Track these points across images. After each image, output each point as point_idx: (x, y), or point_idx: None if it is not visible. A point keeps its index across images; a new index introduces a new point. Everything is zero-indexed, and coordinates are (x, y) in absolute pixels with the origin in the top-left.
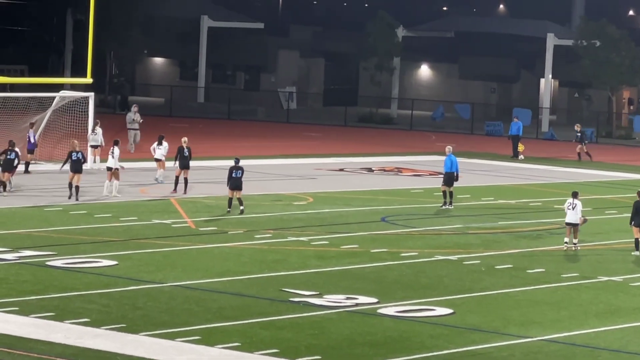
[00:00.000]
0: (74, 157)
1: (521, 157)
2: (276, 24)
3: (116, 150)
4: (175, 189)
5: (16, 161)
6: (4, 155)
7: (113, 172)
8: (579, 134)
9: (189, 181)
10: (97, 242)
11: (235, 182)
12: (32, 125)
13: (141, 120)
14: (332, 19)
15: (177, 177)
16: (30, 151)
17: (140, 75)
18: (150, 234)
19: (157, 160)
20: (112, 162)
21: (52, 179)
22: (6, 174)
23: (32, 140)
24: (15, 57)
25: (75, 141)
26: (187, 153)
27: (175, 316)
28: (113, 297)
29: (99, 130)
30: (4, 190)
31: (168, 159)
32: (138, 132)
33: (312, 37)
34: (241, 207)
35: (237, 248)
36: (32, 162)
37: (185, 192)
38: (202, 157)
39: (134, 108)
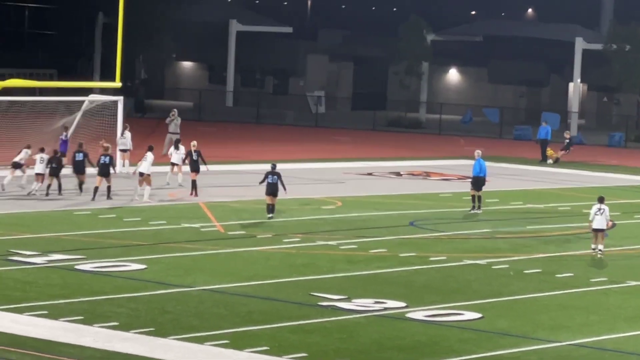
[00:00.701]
0: (101, 161)
1: (549, 161)
2: (305, 28)
3: (150, 155)
4: (193, 192)
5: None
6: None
7: (144, 178)
8: (568, 141)
9: (197, 184)
10: (126, 245)
11: (271, 188)
12: (66, 128)
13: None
14: (361, 23)
15: (193, 181)
16: (63, 154)
17: (169, 79)
18: (179, 238)
19: (173, 164)
20: (144, 168)
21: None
22: (78, 174)
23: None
24: (45, 61)
25: (106, 144)
26: (196, 157)
27: (204, 320)
28: (142, 301)
29: (127, 134)
30: (80, 191)
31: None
32: (176, 136)
33: (341, 41)
34: (272, 214)
35: (266, 252)
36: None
37: (196, 195)
38: (230, 161)
39: (173, 114)
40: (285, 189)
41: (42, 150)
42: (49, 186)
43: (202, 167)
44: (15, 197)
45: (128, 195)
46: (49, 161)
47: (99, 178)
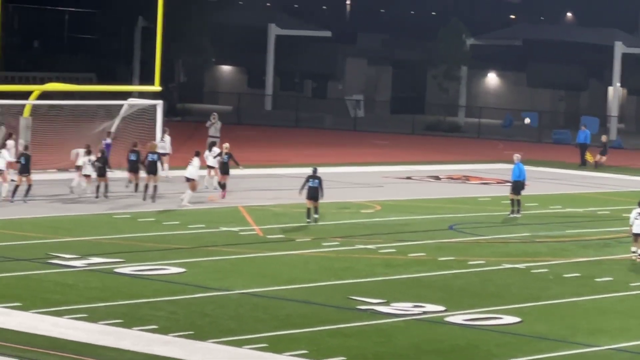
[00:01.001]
0: (149, 158)
1: (591, 163)
2: (344, 31)
3: (196, 160)
4: (223, 193)
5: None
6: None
7: (190, 183)
8: (604, 145)
9: (228, 187)
10: (165, 249)
11: (312, 192)
12: (108, 133)
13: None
14: (400, 27)
15: (220, 183)
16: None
17: (208, 83)
18: (218, 241)
19: (210, 167)
20: (190, 172)
21: (120, 186)
22: (133, 174)
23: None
24: (84, 65)
25: (154, 142)
26: (226, 159)
27: (243, 323)
28: (181, 304)
29: (167, 138)
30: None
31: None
32: (217, 140)
33: (380, 44)
34: (315, 216)
35: (305, 256)
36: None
37: (223, 197)
38: (269, 165)
39: (213, 117)
40: (322, 194)
41: (88, 152)
42: (97, 188)
43: (236, 170)
44: (61, 200)
45: (167, 198)
46: (96, 162)
47: (147, 177)
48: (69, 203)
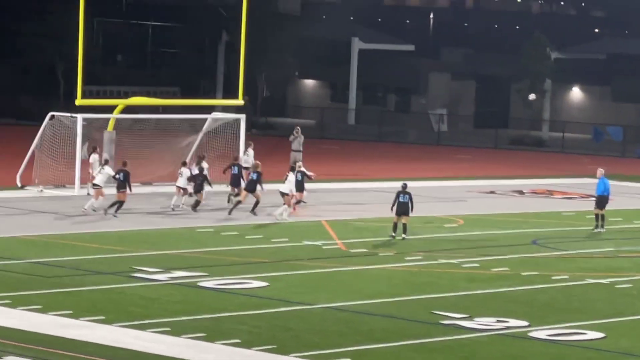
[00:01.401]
0: (251, 177)
1: None
2: (427, 45)
3: (291, 176)
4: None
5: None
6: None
7: (285, 198)
8: None
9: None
10: (249, 263)
11: (401, 207)
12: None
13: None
14: (483, 41)
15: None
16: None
17: (291, 97)
18: (301, 255)
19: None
20: (285, 187)
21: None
22: (233, 188)
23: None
24: (168, 79)
25: (257, 162)
26: (300, 177)
27: (326, 338)
28: (264, 318)
29: (250, 152)
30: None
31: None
32: (300, 154)
33: (463, 59)
34: (403, 235)
35: (388, 270)
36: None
37: (294, 210)
38: (352, 179)
39: (296, 131)
40: (412, 210)
41: (183, 164)
42: (196, 202)
43: (319, 184)
44: (145, 213)
45: (243, 212)
46: (195, 177)
47: (244, 193)
48: (153, 217)
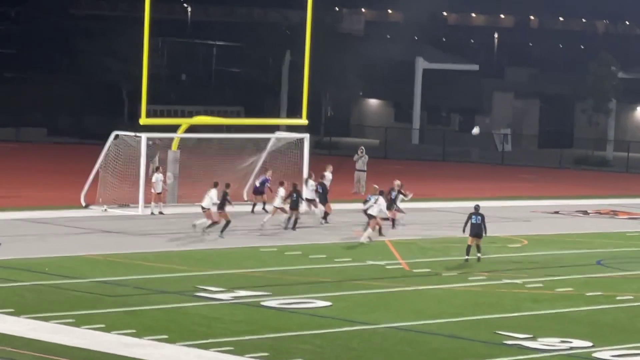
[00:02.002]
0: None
1: None
2: (491, 65)
3: (381, 200)
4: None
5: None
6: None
7: (372, 220)
8: None
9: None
10: (312, 282)
11: (475, 229)
12: (265, 169)
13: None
14: (547, 60)
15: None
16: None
17: (355, 116)
18: (364, 275)
19: (308, 200)
20: (374, 210)
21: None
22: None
23: (257, 185)
24: (232, 99)
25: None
26: (321, 189)
27: (389, 357)
28: (327, 337)
29: (328, 174)
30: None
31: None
32: (364, 173)
33: (528, 78)
34: (478, 254)
35: (451, 290)
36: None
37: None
38: (416, 199)
39: (360, 150)
40: (486, 231)
41: (281, 184)
42: (289, 219)
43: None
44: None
45: (309, 228)
46: (290, 195)
47: (372, 223)
48: (216, 235)
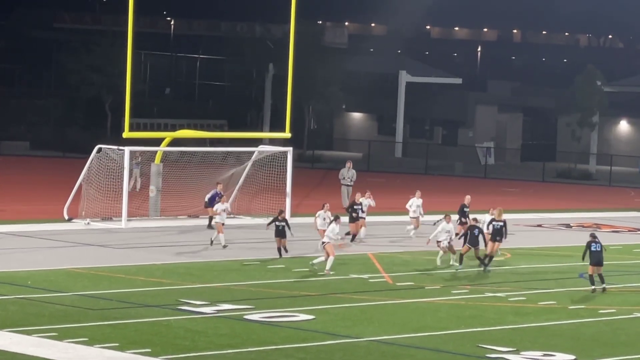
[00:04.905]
0: (496, 226)
1: None
2: (474, 79)
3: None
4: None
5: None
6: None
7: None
8: None
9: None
10: (295, 296)
11: (596, 257)
12: (216, 184)
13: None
14: (530, 74)
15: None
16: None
17: (338, 129)
18: (347, 288)
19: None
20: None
21: (249, 232)
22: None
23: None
24: (216, 112)
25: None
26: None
27: None
28: (310, 351)
29: (365, 200)
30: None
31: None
32: (350, 188)
33: (511, 92)
34: (603, 285)
35: (434, 303)
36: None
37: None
38: (399, 212)
39: (348, 164)
40: (506, 236)
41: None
42: (349, 234)
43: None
44: (192, 246)
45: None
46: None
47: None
48: (199, 248)
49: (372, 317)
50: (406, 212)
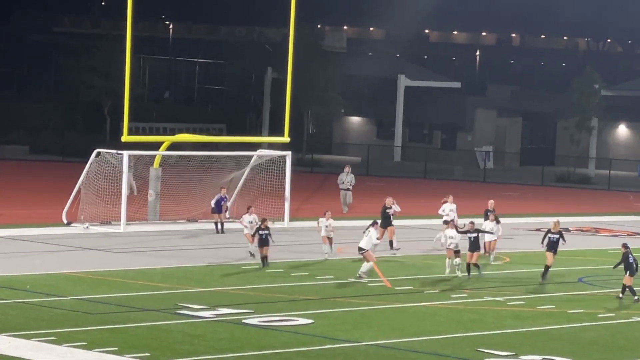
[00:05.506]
0: (552, 239)
1: None
2: (474, 83)
3: (372, 232)
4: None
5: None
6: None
7: (365, 254)
8: None
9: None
10: (294, 300)
11: (631, 268)
12: (220, 189)
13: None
14: (529, 78)
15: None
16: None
17: (337, 133)
18: (346, 292)
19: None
20: (364, 243)
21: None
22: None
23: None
24: (215, 116)
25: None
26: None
27: None
28: (309, 355)
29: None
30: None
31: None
32: (349, 192)
33: (510, 96)
34: (635, 297)
35: (433, 307)
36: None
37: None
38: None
39: (346, 169)
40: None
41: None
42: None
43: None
44: (191, 250)
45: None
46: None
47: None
48: (198, 253)
49: (372, 321)
50: (404, 216)
